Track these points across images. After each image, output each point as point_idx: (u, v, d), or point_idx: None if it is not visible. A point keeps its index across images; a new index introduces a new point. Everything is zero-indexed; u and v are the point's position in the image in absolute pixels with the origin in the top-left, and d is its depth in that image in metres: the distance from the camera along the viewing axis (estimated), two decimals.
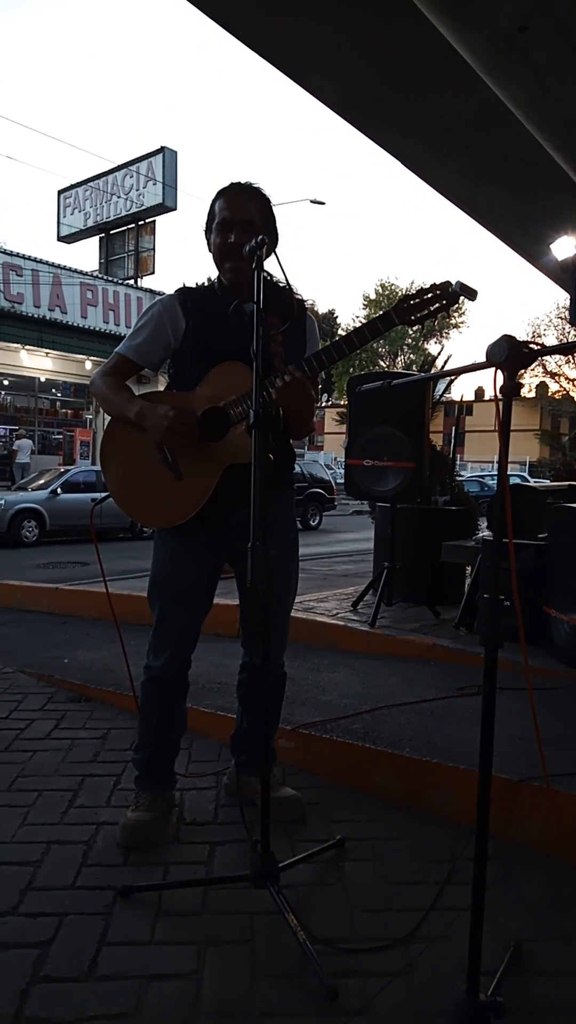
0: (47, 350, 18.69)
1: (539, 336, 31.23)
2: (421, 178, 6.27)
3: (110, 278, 20.62)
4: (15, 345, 18.11)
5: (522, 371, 1.39)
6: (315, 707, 2.87)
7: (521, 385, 1.43)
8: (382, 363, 35.88)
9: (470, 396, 38.89)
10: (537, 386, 36.81)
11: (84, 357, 18.98)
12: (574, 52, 3.55)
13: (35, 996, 1.46)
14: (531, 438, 36.25)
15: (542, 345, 1.44)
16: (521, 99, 3.98)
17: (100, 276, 20.46)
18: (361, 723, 2.70)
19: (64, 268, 18.44)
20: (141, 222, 21.85)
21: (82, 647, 3.96)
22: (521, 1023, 1.41)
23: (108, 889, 1.80)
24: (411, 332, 34.72)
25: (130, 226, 22.09)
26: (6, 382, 21.06)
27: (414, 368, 29.76)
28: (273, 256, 1.84)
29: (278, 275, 1.96)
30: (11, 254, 17.38)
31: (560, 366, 33.31)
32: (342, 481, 8.52)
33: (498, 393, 1.37)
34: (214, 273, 2.07)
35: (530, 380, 34.63)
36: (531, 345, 1.36)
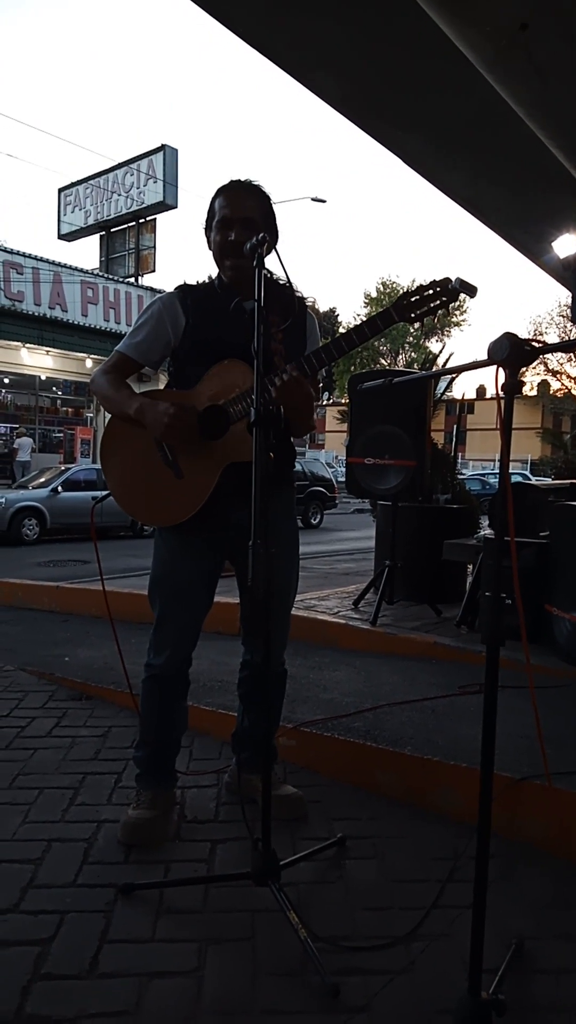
0: (47, 348, 18.70)
1: (541, 334, 31.20)
2: (423, 176, 6.26)
3: (111, 276, 20.62)
4: (16, 343, 18.11)
5: (524, 369, 1.39)
6: (316, 705, 2.87)
7: (523, 383, 1.43)
8: (383, 361, 35.86)
9: (471, 394, 38.79)
10: (539, 384, 36.76)
11: (85, 355, 18.98)
12: (575, 49, 3.54)
13: (36, 993, 1.46)
14: (533, 436, 36.20)
15: (544, 343, 1.44)
16: (522, 97, 3.97)
17: (101, 274, 20.46)
18: (362, 721, 2.70)
19: (65, 266, 18.44)
20: (142, 220, 21.84)
21: (83, 645, 3.96)
22: (523, 1021, 1.42)
23: (109, 887, 1.80)
24: (412, 330, 34.67)
25: (131, 224, 22.08)
26: (7, 380, 21.05)
27: (415, 366, 29.77)
28: (274, 254, 1.84)
29: (279, 273, 1.96)
30: (11, 252, 17.38)
31: (562, 364, 33.27)
32: (343, 479, 8.53)
33: (500, 391, 1.37)
34: (215, 271, 2.07)
35: (532, 378, 34.61)
36: (533, 343, 1.35)
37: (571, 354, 31.56)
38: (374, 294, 37.36)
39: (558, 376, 34.26)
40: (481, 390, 38.70)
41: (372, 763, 2.38)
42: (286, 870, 1.72)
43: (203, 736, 2.70)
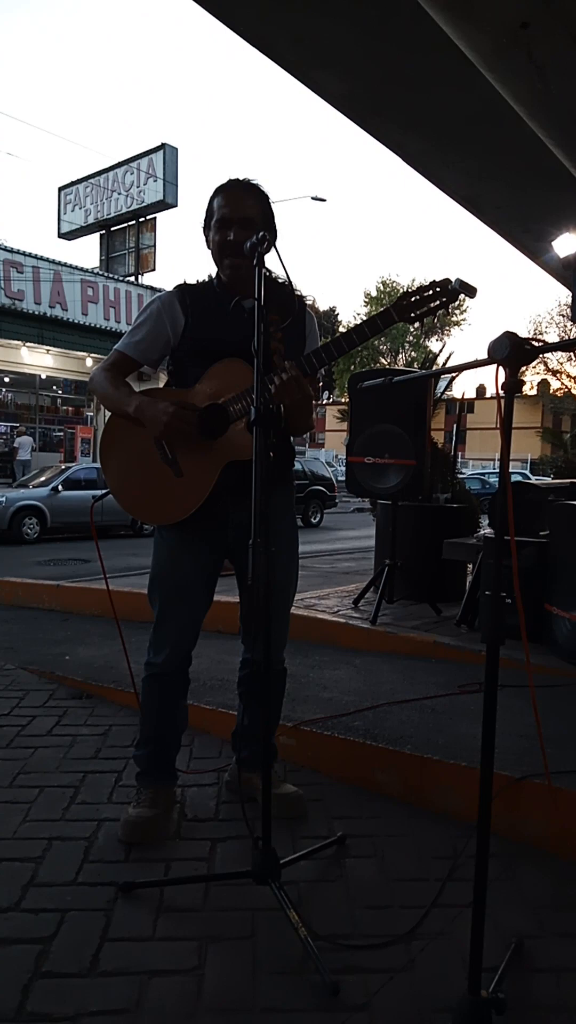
0: (48, 347, 18.69)
1: (541, 333, 31.19)
2: (423, 175, 6.25)
3: (111, 275, 20.60)
4: (16, 342, 18.11)
5: (524, 368, 1.39)
6: (316, 704, 2.87)
7: (523, 382, 1.42)
8: (383, 360, 35.85)
9: (471, 394, 38.76)
10: (539, 383, 36.73)
11: (85, 354, 18.97)
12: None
13: (37, 991, 1.46)
14: (533, 436, 36.18)
15: (544, 342, 1.44)
16: (523, 95, 3.97)
17: (101, 273, 20.44)
18: (362, 720, 2.70)
19: (65, 265, 18.43)
20: (142, 219, 21.83)
21: (83, 644, 3.96)
22: (523, 1020, 1.42)
23: (109, 885, 1.80)
24: (412, 329, 34.65)
25: (131, 223, 22.06)
26: (7, 379, 21.06)
27: (415, 365, 29.73)
28: (273, 252, 1.83)
29: (278, 271, 1.96)
30: (12, 251, 17.36)
31: (562, 363, 33.24)
32: (343, 478, 8.53)
33: (500, 390, 1.37)
34: (215, 270, 2.07)
35: (532, 377, 34.58)
36: (533, 342, 1.35)
37: (571, 353, 31.56)
38: (374, 293, 37.35)
39: (558, 375, 34.24)
40: (481, 389, 38.70)
41: (372, 762, 2.39)
42: (286, 869, 1.72)
43: (203, 735, 2.71)
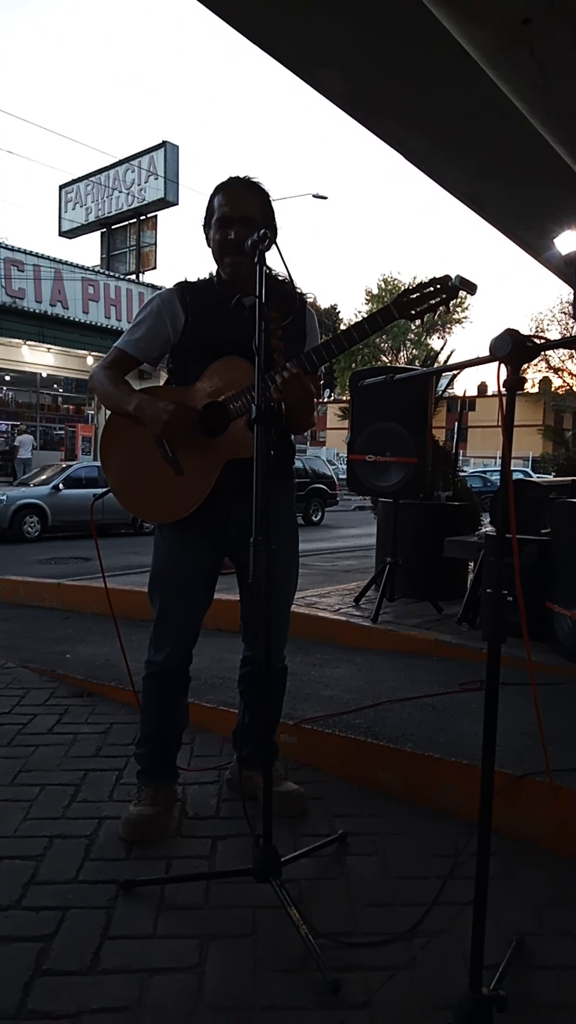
0: (48, 345, 18.70)
1: (542, 331, 31.13)
2: (424, 173, 6.24)
3: (112, 273, 20.60)
4: (17, 341, 18.12)
5: (525, 366, 1.39)
6: (317, 702, 2.87)
7: (524, 379, 1.42)
8: (385, 358, 35.85)
9: (473, 391, 38.73)
10: (540, 381, 36.71)
11: (86, 352, 18.98)
12: None
13: (38, 989, 1.46)
14: (534, 433, 36.14)
15: (545, 339, 1.43)
16: (525, 92, 3.96)
17: (102, 271, 20.45)
18: (363, 718, 2.70)
19: (65, 263, 18.43)
20: (142, 217, 21.83)
21: (84, 642, 3.97)
22: (524, 1017, 1.42)
23: (110, 883, 1.81)
24: (413, 327, 34.61)
25: (131, 221, 22.06)
26: (8, 378, 21.06)
27: (417, 363, 29.72)
28: (274, 250, 1.83)
29: (279, 269, 1.95)
30: (12, 249, 17.36)
31: (564, 361, 33.22)
32: (344, 476, 8.52)
33: (501, 387, 1.37)
34: (215, 267, 2.07)
35: (533, 375, 34.56)
36: (534, 339, 1.35)
37: (573, 351, 31.51)
38: (375, 291, 37.33)
39: (560, 373, 34.22)
40: (482, 387, 38.66)
41: (373, 760, 2.39)
42: (287, 866, 1.72)
43: (204, 733, 2.71)
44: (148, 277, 21.60)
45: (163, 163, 20.49)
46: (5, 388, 21.66)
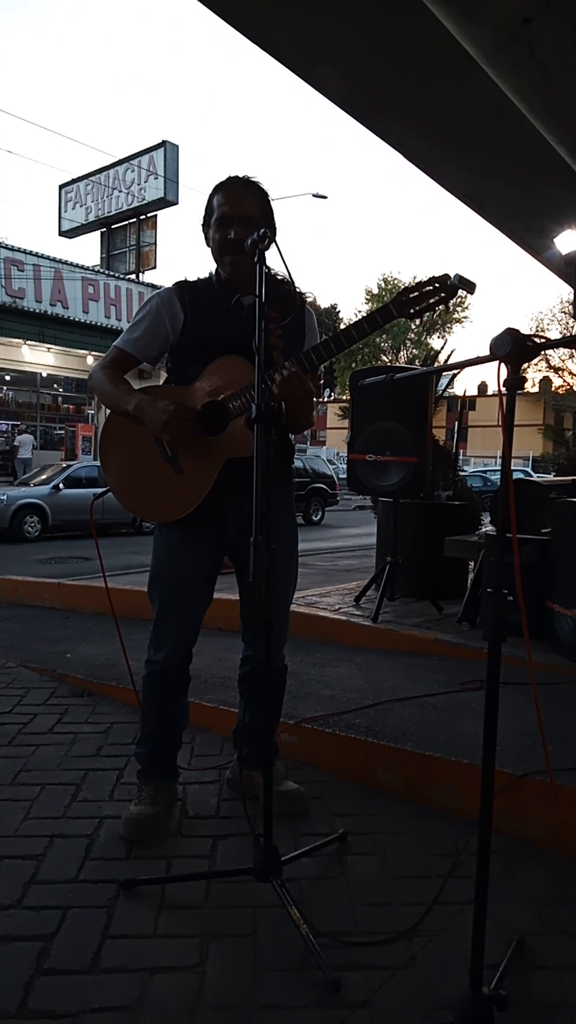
0: (49, 345, 18.70)
1: (542, 330, 31.13)
2: (424, 172, 6.24)
3: (111, 273, 20.60)
4: (17, 340, 18.12)
5: (526, 365, 1.39)
6: (318, 702, 2.87)
7: (524, 379, 1.42)
8: (385, 358, 35.84)
9: (473, 391, 38.74)
10: (541, 381, 36.71)
11: (86, 352, 18.98)
12: None
13: (38, 988, 1.46)
14: (534, 433, 36.12)
15: (546, 339, 1.43)
16: (525, 92, 3.95)
17: (101, 271, 20.45)
18: (364, 717, 2.70)
19: (65, 263, 18.43)
20: (142, 216, 21.82)
21: (84, 642, 3.97)
22: (524, 1017, 1.42)
23: (111, 883, 1.81)
24: (413, 326, 34.62)
25: (131, 220, 22.05)
26: (8, 377, 21.06)
27: (417, 362, 29.72)
28: (274, 249, 1.83)
29: (279, 268, 1.95)
30: (12, 249, 17.37)
31: (564, 360, 33.21)
32: (344, 476, 8.53)
33: (501, 387, 1.37)
34: (215, 267, 2.07)
35: (533, 375, 34.56)
36: (535, 339, 1.35)
37: (573, 350, 31.50)
38: (375, 291, 37.33)
39: (560, 373, 34.21)
40: (483, 386, 38.65)
41: (373, 759, 2.39)
42: (287, 866, 1.73)
43: (204, 732, 2.71)
44: (148, 277, 21.62)
45: (163, 163, 20.48)
46: (5, 388, 21.66)
